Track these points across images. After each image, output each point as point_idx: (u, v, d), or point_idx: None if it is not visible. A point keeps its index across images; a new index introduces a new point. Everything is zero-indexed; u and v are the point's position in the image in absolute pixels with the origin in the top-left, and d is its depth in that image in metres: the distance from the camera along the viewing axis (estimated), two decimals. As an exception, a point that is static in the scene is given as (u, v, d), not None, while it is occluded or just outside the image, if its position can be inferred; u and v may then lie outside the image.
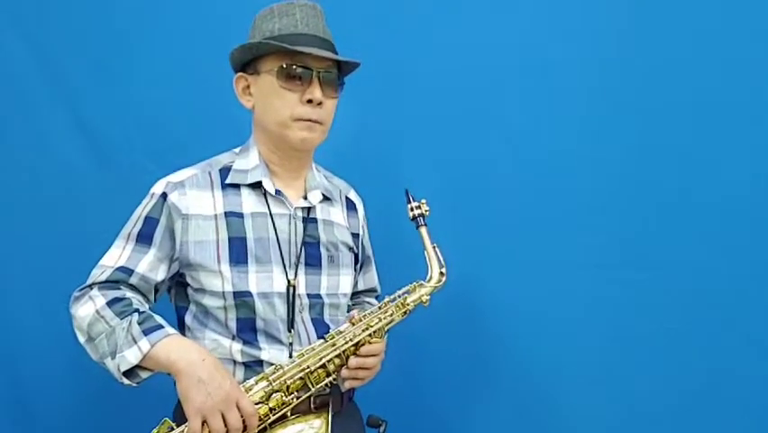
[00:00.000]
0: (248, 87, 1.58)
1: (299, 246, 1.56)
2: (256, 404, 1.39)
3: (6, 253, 2.01)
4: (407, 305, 1.56)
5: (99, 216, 2.00)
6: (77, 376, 2.02)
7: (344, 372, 1.48)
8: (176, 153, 2.00)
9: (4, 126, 2.02)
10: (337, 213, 1.66)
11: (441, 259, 1.60)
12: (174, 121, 2.05)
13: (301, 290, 1.54)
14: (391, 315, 1.54)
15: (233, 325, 1.50)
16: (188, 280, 1.53)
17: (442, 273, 1.59)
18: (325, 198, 1.64)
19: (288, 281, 1.52)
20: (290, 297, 1.52)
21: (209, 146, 1.97)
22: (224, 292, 1.49)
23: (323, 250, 1.59)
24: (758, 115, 1.91)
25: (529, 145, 2.00)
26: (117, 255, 1.52)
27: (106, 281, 1.50)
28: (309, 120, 1.51)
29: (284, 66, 1.50)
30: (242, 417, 1.36)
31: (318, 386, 1.46)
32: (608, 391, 1.94)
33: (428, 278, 1.59)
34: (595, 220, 1.96)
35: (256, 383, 1.42)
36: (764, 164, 1.91)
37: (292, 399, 1.43)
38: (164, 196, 1.53)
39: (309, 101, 1.50)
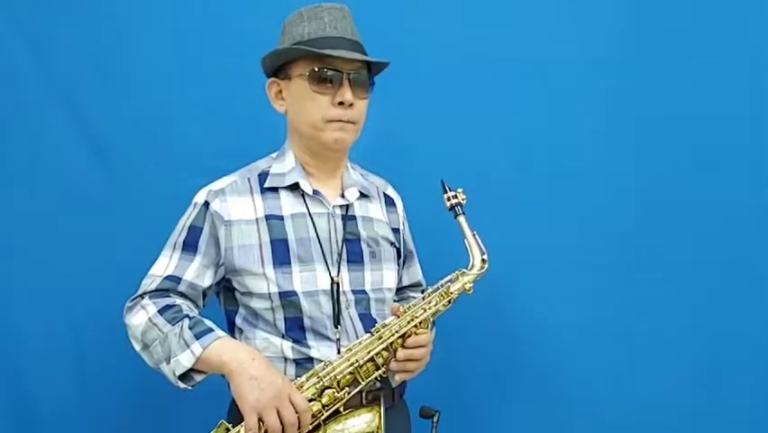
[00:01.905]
0: (280, 91, 1.61)
1: (340, 244, 1.59)
2: (309, 401, 1.42)
3: (6, 254, 1.98)
4: (451, 294, 1.55)
5: (99, 216, 2.01)
6: (77, 376, 2.02)
7: (393, 364, 1.49)
8: (176, 153, 2.03)
9: (3, 127, 1.98)
10: (376, 209, 1.69)
11: (482, 246, 1.59)
12: (174, 121, 2.04)
13: (345, 286, 1.57)
14: (435, 305, 1.53)
15: (281, 325, 1.54)
16: (235, 284, 1.57)
17: (484, 260, 1.58)
18: (363, 195, 1.67)
19: (332, 279, 1.56)
20: (335, 294, 1.56)
21: (209, 146, 2.02)
22: (269, 294, 1.53)
23: (364, 246, 1.62)
24: (759, 115, 2.03)
25: (534, 147, 2.06)
26: (165, 264, 1.56)
27: (156, 290, 1.54)
28: (341, 121, 1.55)
29: (315, 70, 1.53)
30: (296, 413, 1.39)
31: (368, 380, 1.47)
32: (613, 391, 2.04)
33: (470, 266, 1.58)
34: (599, 221, 2.05)
35: (307, 380, 1.45)
36: (765, 164, 2.03)
37: (344, 394, 1.46)
38: (206, 204, 1.57)
39: (341, 103, 1.53)
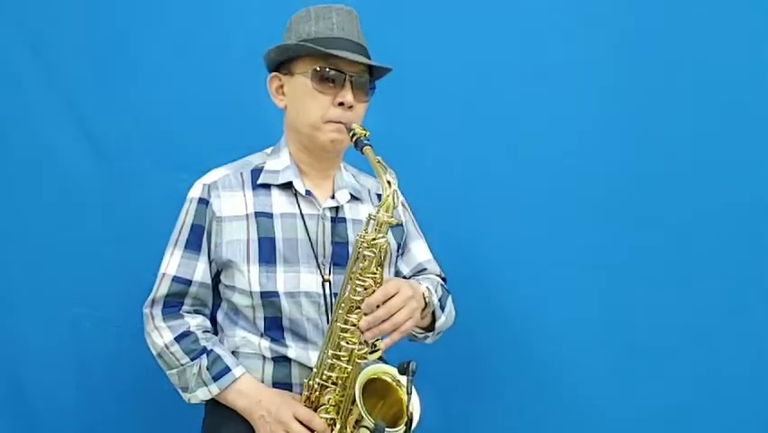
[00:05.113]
0: (281, 86, 1.60)
1: (327, 246, 1.59)
2: (319, 407, 1.49)
3: (7, 254, 2.00)
4: (376, 238, 1.45)
5: (99, 215, 2.03)
6: (77, 376, 2.03)
7: (366, 334, 1.43)
8: (175, 153, 2.04)
9: (4, 126, 1.99)
10: (367, 211, 1.64)
11: (386, 166, 1.46)
12: (174, 121, 2.05)
13: (327, 289, 1.57)
14: (366, 257, 1.45)
15: (260, 323, 1.56)
16: (221, 276, 1.59)
17: (389, 182, 1.44)
18: (353, 198, 1.66)
19: (323, 278, 1.56)
20: (326, 291, 1.56)
21: (209, 146, 2.01)
22: (251, 292, 1.54)
23: (351, 250, 1.59)
24: (759, 115, 2.01)
25: (531, 146, 2.05)
26: (175, 264, 1.58)
27: (168, 297, 1.57)
28: (340, 122, 1.54)
29: (318, 69, 1.53)
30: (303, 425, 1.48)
31: (357, 360, 1.46)
32: (611, 391, 2.03)
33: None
34: (599, 220, 2.04)
35: (307, 392, 1.50)
36: (765, 164, 2.01)
37: (342, 387, 1.47)
38: (205, 202, 1.57)
39: (341, 104, 1.53)
